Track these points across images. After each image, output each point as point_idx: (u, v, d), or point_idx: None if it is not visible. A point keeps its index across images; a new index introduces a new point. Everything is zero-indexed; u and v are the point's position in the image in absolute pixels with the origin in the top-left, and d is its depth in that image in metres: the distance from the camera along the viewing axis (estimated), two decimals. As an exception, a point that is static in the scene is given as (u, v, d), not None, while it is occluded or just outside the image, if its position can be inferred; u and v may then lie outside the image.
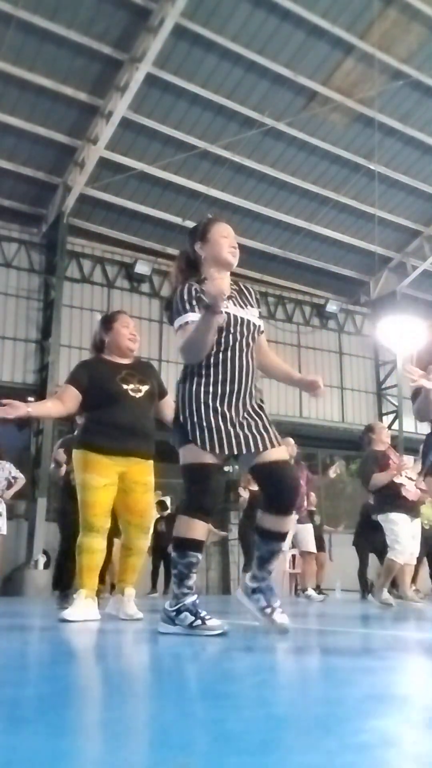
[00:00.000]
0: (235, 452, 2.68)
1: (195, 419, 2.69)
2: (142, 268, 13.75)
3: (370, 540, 9.20)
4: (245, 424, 2.73)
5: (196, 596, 2.67)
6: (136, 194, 13.10)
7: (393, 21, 11.13)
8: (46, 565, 10.88)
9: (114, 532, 4.08)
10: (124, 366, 3.94)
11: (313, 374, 3.03)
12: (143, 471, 3.83)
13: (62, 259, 12.76)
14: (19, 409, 3.37)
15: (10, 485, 7.40)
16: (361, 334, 16.58)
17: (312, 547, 7.87)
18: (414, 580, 7.59)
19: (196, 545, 2.67)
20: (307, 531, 7.87)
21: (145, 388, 3.86)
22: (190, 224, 13.67)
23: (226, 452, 2.67)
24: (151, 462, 3.90)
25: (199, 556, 2.68)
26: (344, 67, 11.77)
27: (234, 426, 2.69)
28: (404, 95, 12.39)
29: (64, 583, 5.60)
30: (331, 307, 15.95)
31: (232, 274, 2.94)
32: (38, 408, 3.88)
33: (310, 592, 7.54)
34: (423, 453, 4.22)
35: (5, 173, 12.19)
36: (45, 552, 11.04)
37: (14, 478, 7.40)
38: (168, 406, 4.04)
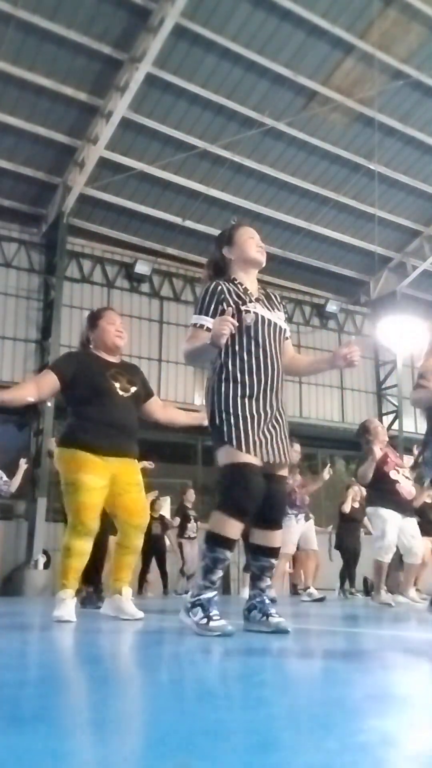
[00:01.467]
0: (263, 459, 2.72)
1: (232, 421, 2.73)
2: (142, 268, 13.75)
3: (352, 541, 9.25)
4: (271, 429, 2.78)
5: (215, 593, 2.70)
6: (136, 194, 13.10)
7: (393, 21, 11.13)
8: (46, 565, 10.88)
9: (105, 532, 4.06)
10: (112, 363, 3.89)
11: (339, 349, 2.96)
12: (134, 471, 3.81)
13: (62, 259, 12.76)
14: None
15: (1, 491, 7.26)
16: (361, 334, 16.58)
17: (315, 545, 7.83)
18: (415, 580, 7.58)
19: (227, 543, 2.69)
20: (311, 529, 7.83)
21: (132, 388, 3.83)
22: (190, 224, 13.81)
23: (259, 457, 2.71)
24: (137, 461, 3.89)
25: (228, 554, 2.71)
26: (344, 67, 11.76)
27: (264, 431, 2.75)
28: (404, 95, 12.38)
29: (93, 578, 5.48)
30: (331, 307, 15.95)
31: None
32: (11, 394, 3.66)
33: (312, 590, 7.52)
34: (422, 459, 4.27)
35: (5, 173, 12.18)
36: (45, 552, 11.04)
37: (5, 482, 7.27)
38: (158, 407, 4.03)
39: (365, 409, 16.31)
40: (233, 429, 2.71)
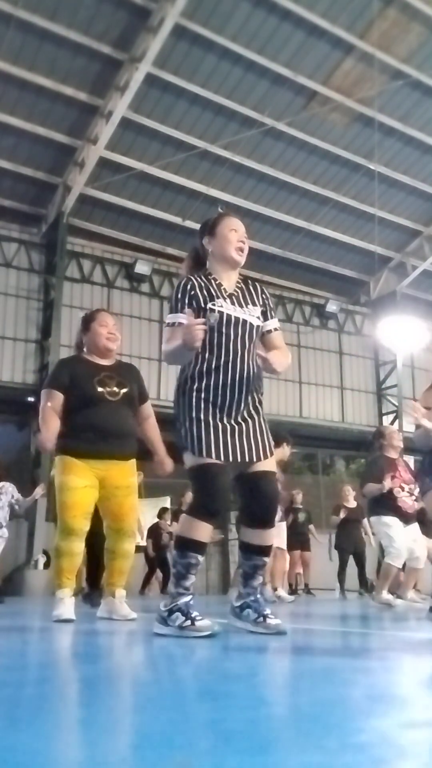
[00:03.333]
0: (229, 461, 2.65)
1: (187, 426, 2.67)
2: (142, 268, 13.75)
3: (351, 542, 9.25)
4: (242, 430, 2.70)
5: (190, 597, 2.64)
6: (136, 194, 13.10)
7: (393, 21, 11.13)
8: (46, 565, 10.87)
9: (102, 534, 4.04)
10: (103, 367, 3.85)
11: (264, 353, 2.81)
12: (124, 473, 3.77)
13: (62, 259, 12.76)
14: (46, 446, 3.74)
15: (13, 511, 7.20)
16: (361, 334, 16.58)
17: (282, 544, 7.60)
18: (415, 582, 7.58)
19: (197, 546, 2.63)
20: (281, 528, 7.59)
21: (123, 391, 3.78)
22: (190, 224, 13.81)
23: (222, 460, 2.64)
24: (133, 462, 3.84)
25: (200, 557, 2.65)
26: (344, 66, 11.76)
27: (230, 433, 2.67)
28: (404, 95, 12.38)
29: (95, 580, 5.47)
30: (331, 307, 15.95)
31: (243, 274, 2.94)
32: (47, 438, 3.70)
33: (281, 592, 7.37)
34: (422, 471, 4.27)
35: (5, 173, 12.19)
36: (45, 552, 11.03)
37: (17, 501, 7.23)
38: (143, 417, 3.95)
39: (365, 409, 16.31)
40: (193, 434, 2.65)
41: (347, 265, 15.88)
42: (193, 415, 2.67)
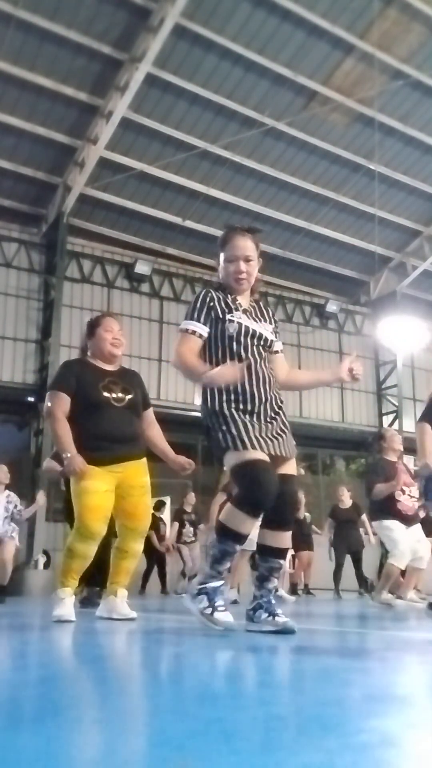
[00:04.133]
0: (268, 452, 2.71)
1: (225, 428, 2.73)
2: (142, 268, 13.75)
3: (346, 542, 9.25)
4: (269, 429, 2.78)
5: (222, 583, 2.73)
6: (136, 194, 13.10)
7: (393, 21, 11.13)
8: (46, 565, 10.87)
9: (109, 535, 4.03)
10: (108, 373, 3.83)
11: (343, 363, 2.99)
12: (138, 472, 3.77)
13: (62, 259, 12.77)
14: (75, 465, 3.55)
15: (13, 517, 7.22)
16: (361, 334, 16.58)
17: None
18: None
19: (237, 537, 2.70)
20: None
21: (128, 397, 3.78)
22: (190, 224, 13.81)
23: (263, 451, 2.70)
24: (144, 460, 3.84)
25: (237, 547, 2.74)
26: (344, 67, 11.77)
27: (263, 429, 2.75)
28: (404, 95, 12.39)
29: (96, 579, 5.47)
30: (331, 307, 15.96)
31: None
32: (65, 445, 3.63)
33: (282, 592, 7.39)
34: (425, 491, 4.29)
35: (5, 173, 12.19)
36: (45, 552, 11.03)
37: (19, 512, 7.25)
38: (147, 423, 3.95)
39: (365, 409, 16.31)
40: (231, 433, 2.71)
41: (347, 265, 15.88)
42: (228, 418, 2.75)
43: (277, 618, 2.75)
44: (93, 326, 3.95)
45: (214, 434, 2.78)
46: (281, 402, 2.89)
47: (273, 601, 2.83)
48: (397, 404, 16.03)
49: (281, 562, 2.91)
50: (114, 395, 3.74)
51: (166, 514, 11.32)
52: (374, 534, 8.11)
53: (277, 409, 2.85)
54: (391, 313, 14.89)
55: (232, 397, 2.78)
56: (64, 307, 12.70)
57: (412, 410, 16.48)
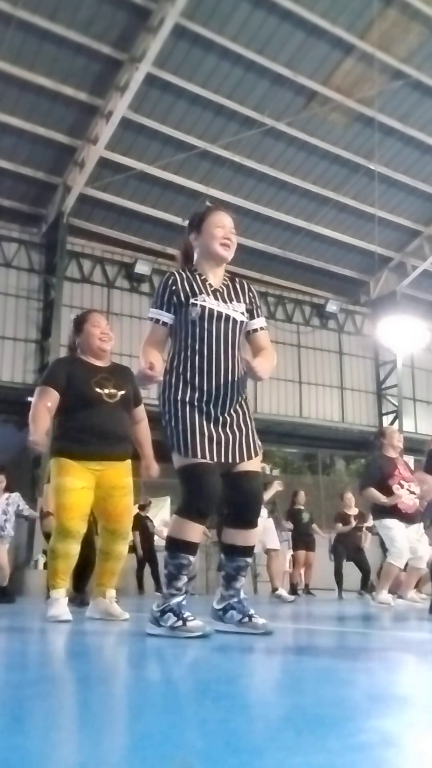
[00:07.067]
0: (215, 461, 2.62)
1: (173, 425, 2.65)
2: (142, 268, 13.74)
3: (346, 547, 9.25)
4: (228, 429, 2.68)
5: (183, 597, 2.62)
6: (136, 194, 13.10)
7: (393, 21, 11.13)
8: (46, 565, 10.85)
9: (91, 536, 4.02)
10: (100, 369, 3.83)
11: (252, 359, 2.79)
12: (120, 473, 3.74)
13: (62, 259, 12.77)
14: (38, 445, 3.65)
15: (19, 517, 7.25)
16: (361, 334, 16.58)
17: (276, 545, 7.51)
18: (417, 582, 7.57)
19: (188, 547, 2.61)
20: (267, 528, 7.43)
21: (120, 393, 3.77)
22: (190, 224, 13.84)
23: (208, 460, 2.61)
24: (128, 462, 3.82)
25: (191, 558, 2.64)
26: (344, 67, 11.77)
27: (216, 433, 2.65)
28: (404, 95, 12.38)
29: (78, 584, 5.50)
30: (331, 307, 15.96)
31: (232, 272, 2.92)
32: (37, 432, 3.65)
33: (281, 592, 7.34)
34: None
35: (5, 173, 12.19)
36: (45, 552, 11.00)
37: (25, 515, 7.28)
38: (136, 420, 3.94)
39: (365, 409, 16.31)
40: (180, 434, 2.63)
41: (347, 265, 15.87)
42: (179, 414, 2.65)
43: (254, 619, 2.69)
44: (80, 323, 3.94)
45: (164, 425, 2.70)
46: (245, 401, 2.77)
47: (244, 602, 2.76)
48: (397, 404, 16.03)
49: (248, 560, 2.82)
50: (106, 391, 3.73)
51: (154, 513, 11.27)
52: (374, 534, 8.11)
53: (238, 409, 2.73)
54: (391, 313, 14.88)
55: (189, 388, 2.68)
56: (64, 307, 12.69)
57: (412, 410, 16.50)
